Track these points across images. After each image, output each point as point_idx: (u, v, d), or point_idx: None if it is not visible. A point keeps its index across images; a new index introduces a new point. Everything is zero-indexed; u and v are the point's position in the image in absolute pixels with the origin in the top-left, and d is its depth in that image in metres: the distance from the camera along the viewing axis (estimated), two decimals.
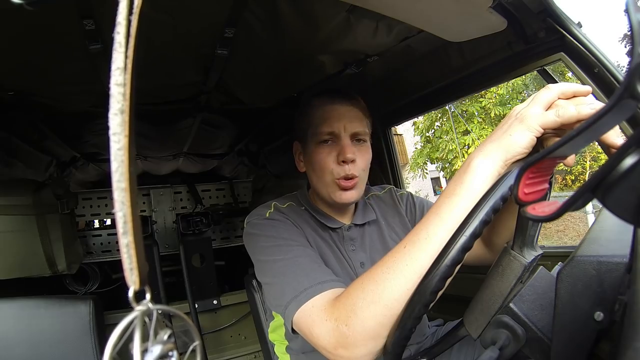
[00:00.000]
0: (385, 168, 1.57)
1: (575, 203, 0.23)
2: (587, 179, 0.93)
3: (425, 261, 0.48)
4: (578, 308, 0.35)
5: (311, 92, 1.10)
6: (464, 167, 0.52)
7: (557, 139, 0.44)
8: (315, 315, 0.60)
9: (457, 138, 9.17)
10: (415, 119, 10.09)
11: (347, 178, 0.82)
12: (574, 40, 0.86)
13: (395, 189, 1.05)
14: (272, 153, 2.16)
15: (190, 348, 0.25)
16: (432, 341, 0.93)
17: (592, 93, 0.50)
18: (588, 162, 12.83)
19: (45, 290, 1.71)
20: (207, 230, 2.09)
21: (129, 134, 0.21)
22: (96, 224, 2.21)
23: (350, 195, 0.83)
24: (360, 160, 0.84)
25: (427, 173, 11.20)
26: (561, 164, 0.43)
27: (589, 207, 5.58)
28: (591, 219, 6.36)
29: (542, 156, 0.31)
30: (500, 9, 0.88)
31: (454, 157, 9.49)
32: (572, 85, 0.49)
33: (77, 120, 1.45)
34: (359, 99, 0.89)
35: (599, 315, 0.34)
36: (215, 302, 1.98)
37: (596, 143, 0.44)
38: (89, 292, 2.00)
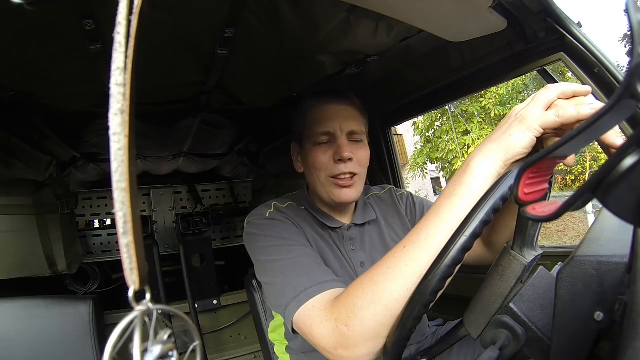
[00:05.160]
0: (385, 168, 1.57)
1: (575, 203, 0.23)
2: (587, 179, 0.93)
3: (425, 261, 0.48)
4: (578, 308, 0.35)
5: (311, 92, 1.10)
6: (463, 167, 0.52)
7: (557, 139, 0.44)
8: (315, 316, 0.60)
9: (457, 138, 9.16)
10: (415, 119, 10.08)
11: (345, 176, 0.82)
12: (574, 40, 0.86)
13: (395, 189, 1.05)
14: (272, 153, 2.16)
15: (190, 348, 0.25)
16: (432, 341, 0.93)
17: (592, 93, 0.50)
18: (588, 162, 12.82)
19: (45, 290, 1.72)
20: (207, 230, 2.09)
21: (129, 134, 0.21)
22: (96, 224, 2.21)
23: (350, 194, 0.83)
24: (358, 159, 0.84)
25: (427, 173, 11.19)
26: (561, 164, 0.43)
27: (589, 207, 5.58)
28: (591, 219, 6.35)
29: (542, 156, 0.31)
30: (500, 9, 0.88)
31: (454, 157, 9.48)
32: (571, 85, 0.49)
33: (77, 120, 1.45)
34: (354, 98, 0.89)
35: (599, 315, 0.34)
36: (215, 302, 1.98)
37: (596, 143, 0.44)
38: (89, 292, 2.00)
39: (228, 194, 2.43)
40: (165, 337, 0.22)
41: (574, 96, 0.49)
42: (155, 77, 1.15)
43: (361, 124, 0.86)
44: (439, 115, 9.87)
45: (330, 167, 0.82)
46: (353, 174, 0.83)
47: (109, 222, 2.19)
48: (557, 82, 0.75)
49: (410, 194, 1.05)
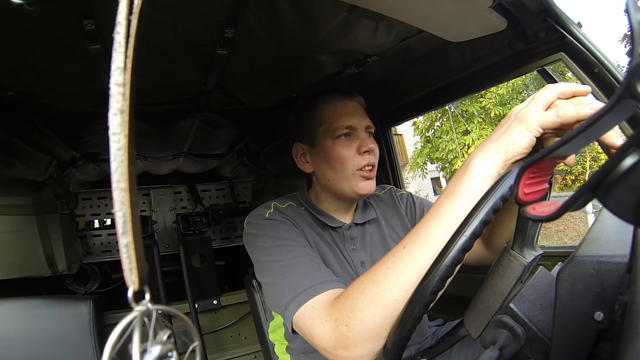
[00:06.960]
0: (385, 168, 1.57)
1: (575, 203, 0.23)
2: (587, 179, 0.93)
3: (425, 261, 0.48)
4: (578, 308, 0.35)
5: (311, 92, 1.10)
6: (463, 167, 0.52)
7: (557, 139, 0.44)
8: (315, 316, 0.60)
9: (457, 138, 9.15)
10: (415, 119, 10.08)
11: (369, 167, 0.85)
12: (574, 40, 0.86)
13: (395, 189, 1.05)
14: (272, 153, 2.16)
15: (190, 348, 0.25)
16: (432, 341, 0.93)
17: (592, 93, 0.50)
18: (588, 162, 12.82)
19: (45, 290, 1.72)
20: (207, 230, 2.09)
21: (128, 133, 0.21)
22: (96, 224, 2.21)
23: (372, 185, 0.86)
24: (374, 152, 0.87)
25: (427, 173, 11.18)
26: (561, 164, 0.43)
27: (589, 207, 5.57)
28: (591, 219, 6.35)
29: (542, 156, 0.31)
30: (500, 9, 0.88)
31: (454, 157, 9.48)
32: (571, 85, 0.49)
33: (77, 120, 1.45)
34: (360, 97, 0.92)
35: (599, 315, 0.34)
36: (215, 302, 1.98)
37: (596, 143, 0.44)
38: (89, 292, 2.01)
39: (228, 194, 2.43)
40: (165, 337, 0.22)
41: (573, 96, 0.48)
42: (155, 77, 1.15)
43: (369, 121, 0.89)
44: (439, 115, 9.87)
45: (357, 159, 0.84)
46: (373, 166, 0.86)
47: (109, 222, 2.19)
48: (557, 82, 0.75)
49: (410, 194, 1.05)
